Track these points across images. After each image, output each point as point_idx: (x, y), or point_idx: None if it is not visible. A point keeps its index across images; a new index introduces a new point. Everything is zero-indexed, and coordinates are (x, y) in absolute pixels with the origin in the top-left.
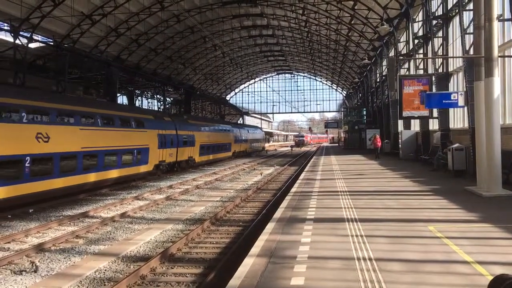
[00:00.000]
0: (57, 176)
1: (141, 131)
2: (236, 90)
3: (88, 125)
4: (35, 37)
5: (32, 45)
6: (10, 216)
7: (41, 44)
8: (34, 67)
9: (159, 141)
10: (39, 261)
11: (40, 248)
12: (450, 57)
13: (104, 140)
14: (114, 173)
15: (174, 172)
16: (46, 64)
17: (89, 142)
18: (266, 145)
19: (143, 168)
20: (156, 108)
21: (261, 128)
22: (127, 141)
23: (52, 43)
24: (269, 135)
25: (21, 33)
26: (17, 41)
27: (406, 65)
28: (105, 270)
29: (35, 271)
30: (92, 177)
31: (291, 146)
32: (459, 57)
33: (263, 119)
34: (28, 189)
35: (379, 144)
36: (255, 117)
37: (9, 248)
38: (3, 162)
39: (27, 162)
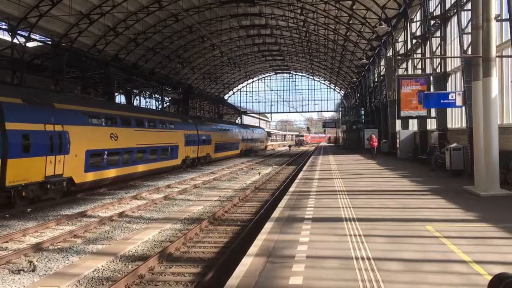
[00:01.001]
0: (121, 166)
1: (173, 131)
2: (234, 90)
3: (140, 128)
4: (33, 36)
5: (30, 44)
6: (8, 216)
7: (39, 43)
8: (32, 66)
9: (185, 140)
10: (37, 261)
11: (38, 248)
12: (448, 57)
13: (149, 139)
14: (155, 165)
15: (194, 166)
16: (44, 63)
17: (140, 141)
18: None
19: (174, 162)
20: (154, 107)
21: (263, 129)
22: (164, 140)
23: (50, 42)
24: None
25: (19, 32)
26: (15, 40)
27: (404, 65)
28: (103, 269)
29: (33, 271)
30: (141, 167)
31: (289, 146)
32: (457, 57)
33: (261, 119)
34: (105, 175)
35: (375, 144)
36: (253, 116)
37: (7, 247)
38: (93, 155)
39: (105, 155)
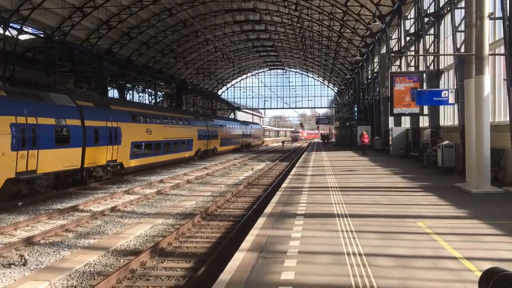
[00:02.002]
0: (152, 155)
1: (189, 127)
2: (228, 85)
3: (165, 124)
4: (25, 29)
5: (22, 37)
6: None
7: (32, 36)
8: (24, 59)
9: (197, 134)
10: (28, 255)
11: (29, 242)
12: (441, 55)
13: (172, 134)
14: (175, 156)
15: (205, 158)
16: (36, 56)
17: (165, 135)
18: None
19: (189, 154)
20: (147, 102)
21: (261, 125)
22: (183, 134)
23: (42, 35)
24: None
25: (11, 24)
26: (7, 33)
27: (398, 62)
28: (95, 264)
29: (24, 264)
30: (165, 157)
31: (283, 142)
32: (450, 54)
33: (254, 115)
34: (142, 162)
35: (367, 140)
36: (247, 112)
37: None
38: (135, 145)
39: (143, 146)
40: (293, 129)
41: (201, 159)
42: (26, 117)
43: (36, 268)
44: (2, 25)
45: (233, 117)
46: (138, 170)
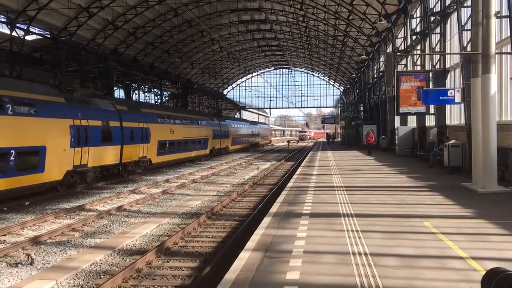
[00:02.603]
0: (174, 153)
1: (205, 127)
2: (233, 85)
3: (185, 124)
4: (32, 30)
5: (29, 38)
6: (6, 209)
7: (38, 37)
8: (31, 60)
9: (212, 134)
10: (35, 254)
11: (36, 241)
12: (448, 54)
13: (191, 133)
14: (193, 153)
15: (218, 156)
16: (43, 56)
17: (184, 134)
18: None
19: (205, 152)
20: (153, 102)
21: (268, 125)
22: (199, 134)
23: (49, 36)
24: None
25: (17, 25)
26: (14, 33)
27: (404, 61)
28: (101, 263)
29: (31, 264)
30: (185, 154)
31: (288, 141)
32: (456, 53)
33: (260, 114)
34: (166, 159)
35: (372, 140)
36: (252, 112)
37: (5, 240)
38: (161, 144)
39: (167, 144)
40: (300, 129)
41: (209, 158)
42: (80, 120)
43: (42, 267)
44: (9, 26)
45: (238, 116)
46: (162, 166)
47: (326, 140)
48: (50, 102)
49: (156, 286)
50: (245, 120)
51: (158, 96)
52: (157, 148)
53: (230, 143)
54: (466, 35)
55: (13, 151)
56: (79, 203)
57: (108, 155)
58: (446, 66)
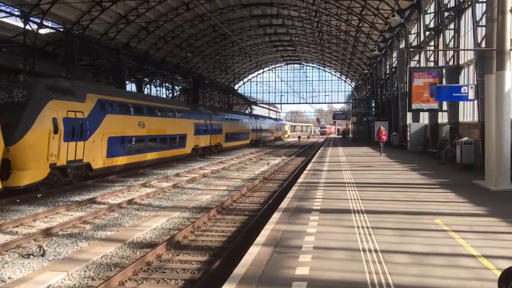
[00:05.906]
0: (235, 140)
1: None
2: (245, 80)
3: (234, 121)
4: (45, 23)
5: (42, 31)
6: (18, 201)
7: (51, 30)
8: (44, 53)
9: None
10: (46, 245)
11: (47, 233)
12: (461, 50)
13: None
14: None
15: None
16: (56, 50)
17: (234, 129)
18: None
19: (220, 138)
20: (164, 96)
21: (286, 121)
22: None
23: (62, 30)
24: None
25: (31, 18)
26: (27, 27)
27: (417, 57)
28: (112, 255)
29: (43, 255)
30: (238, 143)
31: (299, 137)
32: (470, 49)
33: (271, 109)
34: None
35: (385, 137)
36: (263, 107)
37: (17, 232)
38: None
39: (230, 135)
40: (322, 124)
41: (215, 154)
42: (197, 120)
43: (54, 259)
44: (22, 19)
45: (249, 111)
46: (227, 149)
47: (338, 136)
48: (186, 110)
49: (165, 279)
50: (246, 114)
51: (170, 91)
52: (225, 137)
53: (255, 136)
54: (481, 31)
55: (177, 136)
56: (90, 196)
57: (206, 141)
58: (460, 63)
